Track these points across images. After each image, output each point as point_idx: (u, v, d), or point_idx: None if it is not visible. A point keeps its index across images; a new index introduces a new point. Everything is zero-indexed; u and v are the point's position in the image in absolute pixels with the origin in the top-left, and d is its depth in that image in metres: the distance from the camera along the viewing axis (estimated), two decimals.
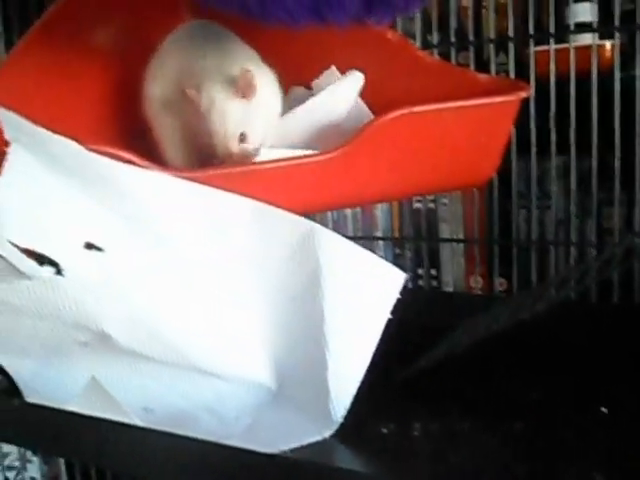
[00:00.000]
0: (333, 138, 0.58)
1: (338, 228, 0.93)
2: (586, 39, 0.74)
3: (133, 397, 0.50)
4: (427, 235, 0.90)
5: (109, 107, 0.69)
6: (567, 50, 0.73)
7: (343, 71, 0.65)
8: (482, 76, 0.64)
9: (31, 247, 0.47)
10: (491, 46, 0.77)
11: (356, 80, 0.63)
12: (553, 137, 0.74)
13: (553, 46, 0.74)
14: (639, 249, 0.64)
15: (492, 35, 0.77)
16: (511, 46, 0.76)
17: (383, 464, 0.45)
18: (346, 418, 0.46)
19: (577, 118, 0.72)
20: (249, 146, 0.56)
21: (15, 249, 0.46)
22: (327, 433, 0.46)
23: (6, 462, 1.03)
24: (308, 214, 0.51)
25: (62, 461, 1.07)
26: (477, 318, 0.54)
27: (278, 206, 0.50)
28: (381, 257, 0.48)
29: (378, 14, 0.48)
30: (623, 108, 0.70)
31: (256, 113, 0.57)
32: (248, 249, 0.50)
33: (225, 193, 0.49)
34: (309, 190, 0.53)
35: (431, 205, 0.91)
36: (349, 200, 0.59)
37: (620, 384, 0.53)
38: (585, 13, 0.75)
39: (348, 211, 0.95)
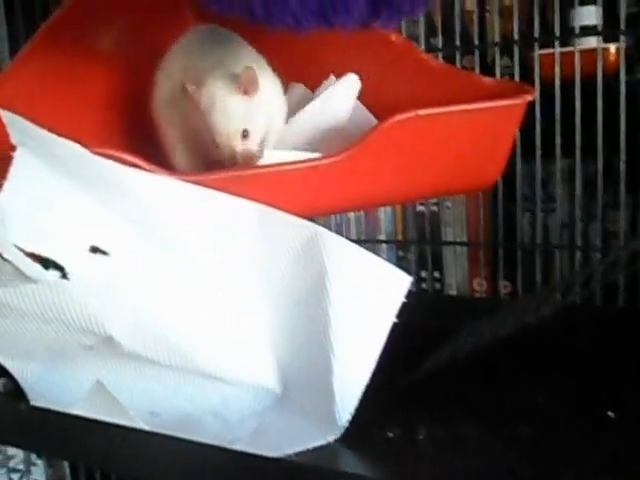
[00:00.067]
0: (334, 142, 0.58)
1: (341, 231, 0.93)
2: (591, 42, 0.74)
3: (138, 401, 0.50)
4: (430, 238, 0.90)
5: (114, 111, 0.69)
6: (572, 53, 0.73)
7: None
8: (487, 79, 0.64)
9: (36, 251, 0.47)
10: (496, 49, 0.77)
11: (352, 83, 0.63)
12: (558, 140, 0.74)
13: (558, 49, 0.74)
14: None
15: (497, 38, 0.77)
16: (516, 49, 0.76)
17: (388, 468, 0.44)
18: (351, 422, 0.46)
19: (582, 121, 0.72)
20: (253, 145, 0.56)
21: (21, 253, 0.46)
22: (332, 437, 0.45)
23: (11, 464, 1.03)
24: (313, 217, 0.51)
25: (67, 464, 1.07)
26: (482, 322, 0.54)
27: (283, 209, 0.50)
28: (385, 260, 0.48)
29: (384, 18, 0.48)
30: (628, 111, 0.70)
31: (258, 110, 0.57)
32: (253, 252, 0.50)
33: (230, 197, 0.49)
34: (314, 193, 0.53)
35: (434, 208, 0.91)
36: (354, 203, 0.59)
37: (626, 388, 0.53)
38: (590, 16, 0.75)
39: (351, 214, 0.95)
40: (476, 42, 0.79)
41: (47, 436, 0.50)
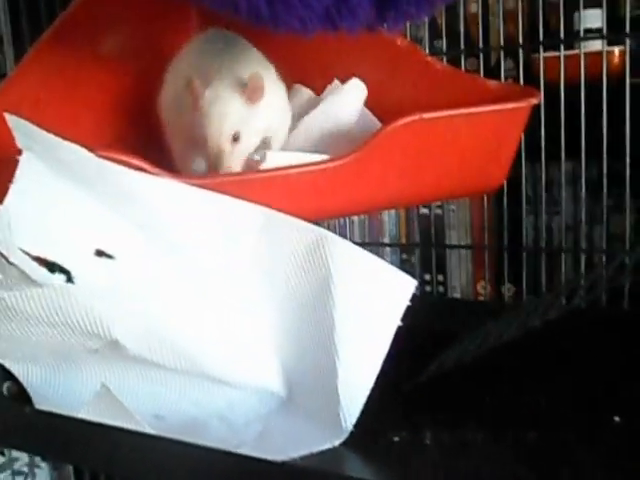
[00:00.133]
0: (340, 146, 0.58)
1: (345, 234, 0.93)
2: (595, 45, 0.74)
3: (143, 404, 0.50)
4: (435, 241, 0.90)
5: (119, 115, 0.69)
6: (576, 56, 0.73)
7: (352, 77, 0.65)
8: (492, 83, 0.64)
9: (42, 255, 0.47)
10: (501, 52, 0.77)
11: (358, 88, 0.63)
12: (562, 143, 0.74)
13: (563, 52, 0.74)
14: None
15: (501, 42, 0.77)
16: (520, 52, 0.76)
17: (394, 472, 0.44)
18: (356, 426, 0.46)
19: (587, 124, 0.72)
20: (243, 150, 0.56)
21: (26, 257, 0.46)
22: (337, 441, 0.45)
23: (15, 467, 1.03)
24: (318, 221, 0.51)
25: (71, 468, 1.07)
26: (487, 326, 0.54)
27: (289, 213, 0.50)
28: (388, 263, 0.48)
29: (389, 21, 0.48)
30: (633, 114, 0.70)
31: (258, 116, 0.57)
32: (259, 256, 0.50)
33: (236, 200, 0.49)
34: (320, 197, 0.53)
35: (438, 211, 0.91)
36: (359, 206, 0.59)
37: (632, 392, 0.52)
38: (594, 19, 0.75)
39: (355, 217, 0.95)
40: (480, 45, 0.80)
41: (52, 439, 0.50)
